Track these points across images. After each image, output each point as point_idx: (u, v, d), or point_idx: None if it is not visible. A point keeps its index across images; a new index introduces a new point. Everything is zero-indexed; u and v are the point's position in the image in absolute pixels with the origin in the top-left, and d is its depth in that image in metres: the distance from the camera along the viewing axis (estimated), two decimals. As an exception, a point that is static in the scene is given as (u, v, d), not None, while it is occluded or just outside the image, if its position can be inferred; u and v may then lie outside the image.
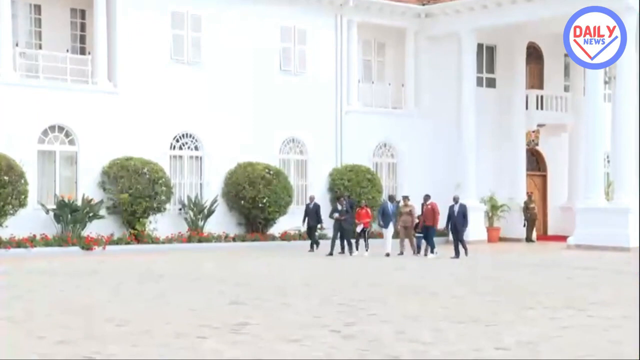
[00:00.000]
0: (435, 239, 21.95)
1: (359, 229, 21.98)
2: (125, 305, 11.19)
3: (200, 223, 24.50)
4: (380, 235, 23.12)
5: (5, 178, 20.84)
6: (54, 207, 22.23)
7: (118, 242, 22.71)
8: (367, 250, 21.78)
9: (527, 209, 29.08)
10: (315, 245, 23.18)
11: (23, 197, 21.31)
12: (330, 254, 21.40)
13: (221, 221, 25.22)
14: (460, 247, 20.89)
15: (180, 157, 25.33)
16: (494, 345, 8.08)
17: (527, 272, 17.04)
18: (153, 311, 10.63)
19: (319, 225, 23.51)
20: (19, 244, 21.00)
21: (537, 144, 31.11)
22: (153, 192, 23.28)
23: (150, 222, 23.61)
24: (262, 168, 25.42)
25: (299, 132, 27.15)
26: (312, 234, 23.45)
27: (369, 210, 22.63)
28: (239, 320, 9.61)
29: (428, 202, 21.69)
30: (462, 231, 20.99)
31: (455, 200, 21.39)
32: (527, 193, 29.78)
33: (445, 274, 16.13)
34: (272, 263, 19.02)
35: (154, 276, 15.60)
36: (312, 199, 23.97)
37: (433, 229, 21.37)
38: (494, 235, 28.59)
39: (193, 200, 24.74)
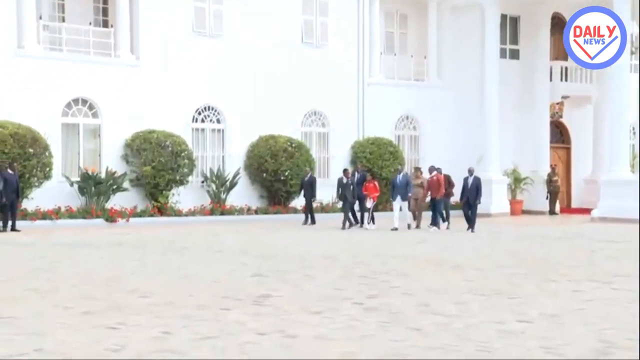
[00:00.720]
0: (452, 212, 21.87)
1: (369, 203, 21.56)
2: (149, 277, 11.27)
3: (223, 196, 24.61)
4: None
5: (30, 150, 21.03)
6: (78, 179, 22.43)
7: (141, 214, 22.89)
8: (373, 223, 21.41)
9: (550, 181, 28.90)
10: (310, 220, 22.51)
11: (48, 169, 21.51)
12: (343, 227, 21.15)
13: (243, 194, 25.32)
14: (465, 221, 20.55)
15: (203, 129, 25.40)
16: (516, 318, 8.06)
17: (550, 245, 16.96)
18: (176, 283, 10.70)
19: (313, 199, 22.96)
20: (44, 215, 21.24)
21: (561, 116, 30.83)
22: (176, 165, 23.39)
23: (173, 194, 23.75)
24: (284, 141, 25.43)
25: (321, 104, 27.10)
26: (309, 209, 22.88)
27: (376, 183, 22.16)
28: (261, 292, 9.65)
29: (433, 174, 21.41)
30: (476, 205, 20.58)
31: (470, 172, 20.93)
32: (551, 166, 29.58)
33: (468, 247, 16.09)
34: (294, 236, 19.07)
35: (177, 248, 15.70)
36: (307, 172, 23.67)
37: (439, 202, 21.01)
38: (517, 208, 28.48)
39: (215, 173, 24.83)
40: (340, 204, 22.68)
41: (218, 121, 25.61)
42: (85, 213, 21.84)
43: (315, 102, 26.97)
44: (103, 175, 22.68)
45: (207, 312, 8.29)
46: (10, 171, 19.84)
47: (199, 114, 25.26)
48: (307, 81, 26.54)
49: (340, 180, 22.11)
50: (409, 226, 21.01)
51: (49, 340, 6.88)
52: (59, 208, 21.77)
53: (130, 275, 11.44)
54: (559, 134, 31.31)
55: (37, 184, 21.42)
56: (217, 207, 24.24)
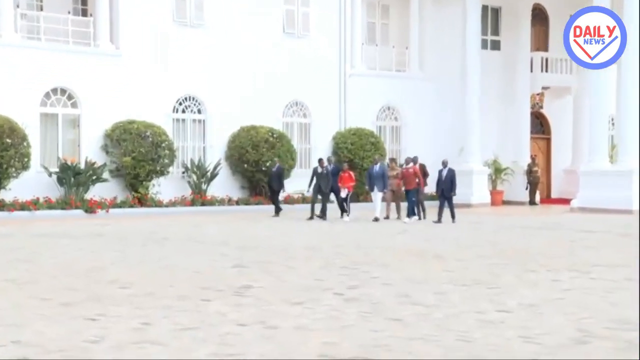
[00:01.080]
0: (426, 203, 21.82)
1: (343, 193, 21.31)
2: (129, 268, 11.24)
3: (204, 186, 24.54)
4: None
5: (8, 141, 20.86)
6: (57, 170, 22.27)
7: (121, 205, 22.78)
8: (347, 215, 21.21)
9: (530, 172, 29.08)
10: (275, 211, 22.31)
11: (26, 160, 21.34)
12: (311, 217, 21.00)
13: (224, 185, 25.26)
14: (449, 212, 20.29)
15: (183, 120, 25.29)
16: (496, 307, 8.11)
17: (530, 235, 17.06)
18: (157, 274, 10.68)
19: (281, 191, 22.78)
20: (23, 206, 21.09)
21: (541, 107, 31.01)
22: (156, 156, 23.29)
23: (153, 185, 23.66)
24: (265, 131, 25.38)
25: (303, 95, 27.07)
26: (275, 199, 22.74)
27: (352, 173, 21.89)
28: (242, 283, 9.65)
29: (409, 165, 21.22)
30: (451, 196, 20.44)
31: (444, 164, 20.71)
32: (531, 156, 29.75)
33: (449, 238, 16.15)
34: (275, 227, 19.06)
35: (158, 239, 15.65)
36: (274, 162, 23.44)
37: (412, 192, 20.71)
38: (497, 199, 28.63)
39: (196, 163, 24.75)
40: (308, 193, 22.33)
41: (199, 111, 25.51)
42: (64, 204, 21.71)
43: (296, 92, 26.93)
44: (82, 165, 22.54)
45: (188, 303, 8.28)
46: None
47: (180, 104, 25.15)
48: (288, 72, 26.48)
49: (315, 170, 21.81)
50: (376, 219, 20.59)
51: (27, 331, 6.84)
52: (38, 199, 21.63)
53: (110, 266, 11.39)
54: (539, 125, 31.51)
55: (15, 174, 21.27)
56: (198, 198, 24.17)
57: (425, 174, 21.59)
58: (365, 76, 28.24)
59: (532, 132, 30.54)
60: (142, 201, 23.17)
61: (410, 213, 20.67)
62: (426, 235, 16.74)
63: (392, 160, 22.87)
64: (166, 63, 24.47)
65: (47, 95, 22.76)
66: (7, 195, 21.25)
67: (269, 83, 26.11)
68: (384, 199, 21.46)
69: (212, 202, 24.33)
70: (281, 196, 23.45)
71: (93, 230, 17.79)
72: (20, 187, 21.36)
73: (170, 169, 24.13)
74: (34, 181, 21.75)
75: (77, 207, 21.77)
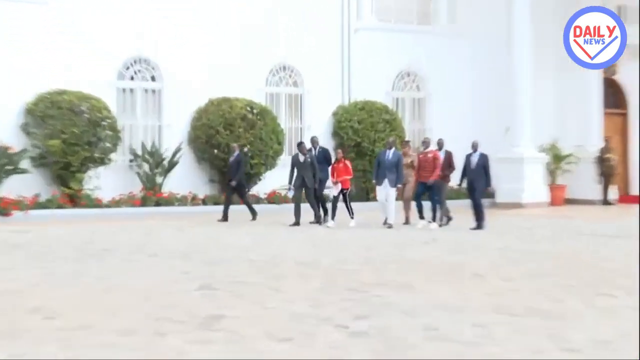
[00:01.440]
0: (452, 203, 21.81)
1: (335, 191, 21.22)
2: (57, 291, 11.16)
3: (159, 180, 24.54)
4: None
5: None
6: (-41, 157, 22.26)
7: (46, 205, 22.80)
8: (351, 217, 21.09)
9: (602, 160, 29.08)
10: (223, 212, 22.00)
11: None
12: (296, 223, 20.83)
13: (187, 177, 25.26)
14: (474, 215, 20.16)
15: (132, 90, 25.29)
16: (558, 345, 8.06)
17: (603, 245, 17.04)
18: (94, 299, 10.59)
19: (232, 183, 22.56)
20: None
21: (615, 72, 30.96)
22: (94, 138, 23.32)
23: (90, 178, 23.66)
24: (242, 105, 25.38)
25: (293, 57, 27.07)
26: (243, 197, 22.94)
27: (348, 164, 21.67)
28: (211, 312, 9.59)
29: (428, 150, 21.07)
30: (481, 191, 20.20)
31: (474, 147, 20.36)
32: (604, 138, 29.73)
33: (492, 249, 16.13)
34: (255, 233, 19.06)
35: (96, 251, 15.61)
36: (234, 148, 23.25)
37: (436, 187, 20.56)
38: (557, 196, 28.67)
39: (149, 148, 24.73)
40: (290, 192, 22.18)
41: (153, 79, 25.47)
42: (-33, 203, 21.71)
43: (284, 53, 26.92)
44: (-7, 151, 22.53)
45: (137, 339, 8.22)
46: None
47: (127, 68, 25.12)
48: (274, 26, 26.50)
49: (294, 159, 21.51)
50: (389, 225, 20.50)
51: None
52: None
53: (31, 289, 11.32)
54: (614, 96, 31.46)
55: None
56: (151, 195, 24.16)
57: (450, 165, 21.21)
58: (377, 31, 28.25)
59: (604, 106, 30.50)
60: (74, 199, 23.18)
61: (433, 216, 20.75)
62: (461, 246, 16.71)
63: (405, 143, 22.74)
64: (108, 12, 24.42)
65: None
66: None
67: (249, 40, 26.11)
68: (399, 197, 21.30)
69: (170, 201, 24.33)
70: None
71: (7, 238, 17.73)
72: None
73: (113, 155, 24.12)
74: None
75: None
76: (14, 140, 23.04)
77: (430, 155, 20.78)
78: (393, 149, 21.11)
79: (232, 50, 25.93)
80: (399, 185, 20.80)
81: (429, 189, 20.63)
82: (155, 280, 12.14)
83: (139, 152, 24.74)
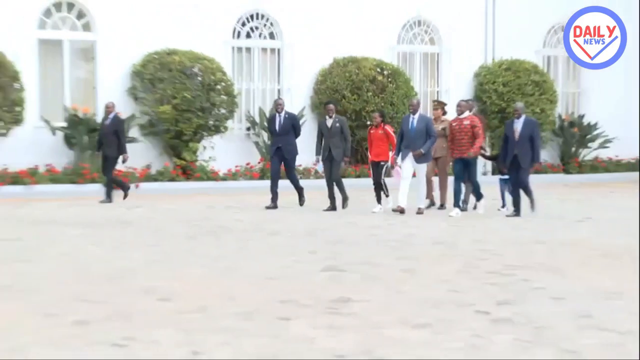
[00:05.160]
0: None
1: (396, 175, 18.84)
2: (172, 272, 11.47)
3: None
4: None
5: (-8, 80, 21.50)
6: (64, 124, 22.83)
7: (157, 177, 23.27)
8: (387, 196, 19.22)
9: None
10: (106, 195, 20.52)
11: (19, 109, 21.97)
12: (332, 207, 19.31)
13: (310, 148, 25.31)
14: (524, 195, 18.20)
15: (248, 49, 25.54)
16: None
17: None
18: (211, 280, 10.87)
19: (121, 158, 20.75)
20: (15, 179, 21.73)
21: None
22: (208, 104, 23.61)
23: (204, 148, 24.01)
24: (371, 66, 25.42)
25: (429, 10, 26.94)
26: (108, 172, 20.66)
27: (390, 130, 19.28)
28: (338, 295, 9.72)
29: (464, 115, 18.41)
30: (528, 167, 18.02)
31: (518, 112, 18.15)
32: None
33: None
34: (383, 209, 19.06)
35: (213, 229, 15.93)
36: (109, 109, 20.70)
37: (472, 163, 18.37)
38: None
39: (267, 115, 24.97)
40: (320, 166, 20.46)
41: (272, 36, 25.70)
42: (74, 175, 22.27)
43: (419, 6, 26.79)
44: (100, 118, 23.04)
45: (258, 324, 8.41)
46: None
47: (243, 25, 25.39)
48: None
49: (321, 124, 19.73)
50: (401, 210, 18.29)
51: (26, 361, 7.10)
52: (36, 168, 22.26)
53: (143, 269, 11.66)
54: None
55: (3, 131, 21.92)
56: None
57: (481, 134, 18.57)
58: (526, -21, 27.85)
59: None
60: (187, 172, 23.56)
61: (476, 198, 18.81)
62: (621, 227, 16.48)
63: (439, 104, 20.36)
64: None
65: (47, 12, 23.33)
66: (-7, 162, 21.95)
67: (377, -8, 26.07)
68: (422, 175, 18.62)
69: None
70: (124, 166, 22.08)
71: (118, 214, 18.20)
72: (12, 151, 22.04)
73: (230, 123, 24.44)
74: (30, 141, 22.41)
75: (93, 181, 22.31)
76: (121, 106, 23.42)
77: (466, 122, 18.29)
78: (419, 112, 18.55)
79: (360, 2, 25.94)
80: (421, 150, 18.02)
81: (467, 166, 18.30)
82: (277, 260, 12.33)
83: (257, 120, 24.99)
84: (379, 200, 19.00)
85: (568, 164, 28.42)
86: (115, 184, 20.18)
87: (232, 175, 24.10)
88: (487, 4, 27.71)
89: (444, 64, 27.50)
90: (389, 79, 25.51)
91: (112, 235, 15.06)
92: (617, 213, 18.96)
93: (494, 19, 27.72)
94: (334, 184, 19.22)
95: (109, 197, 19.93)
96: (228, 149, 24.46)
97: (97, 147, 20.52)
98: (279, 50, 25.87)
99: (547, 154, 28.57)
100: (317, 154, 19.47)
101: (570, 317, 8.77)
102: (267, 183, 23.34)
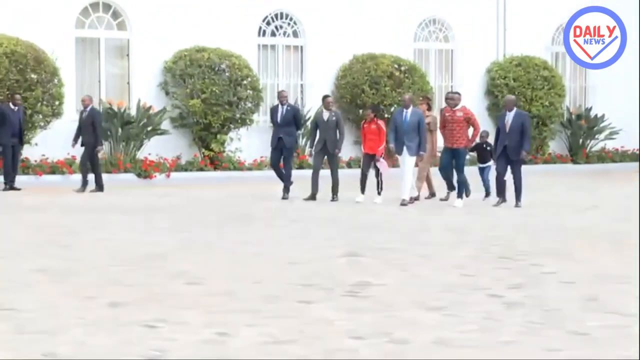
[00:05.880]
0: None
1: (384, 167, 18.27)
2: (200, 257, 11.50)
3: (301, 141, 24.70)
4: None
5: (33, 76, 21.53)
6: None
7: (187, 167, 23.29)
8: (379, 193, 18.29)
9: None
10: (82, 183, 20.13)
11: (57, 103, 22.02)
12: (312, 197, 18.65)
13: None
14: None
15: (273, 47, 25.52)
16: None
17: None
18: (238, 265, 10.90)
19: (98, 148, 20.29)
20: (54, 169, 21.80)
21: None
22: (235, 98, 23.62)
23: (231, 139, 24.03)
24: (389, 62, 25.35)
25: (443, 9, 26.82)
26: (84, 162, 20.36)
27: (382, 125, 18.53)
28: (357, 279, 9.73)
29: (457, 107, 17.68)
30: (519, 160, 17.36)
31: (509, 105, 17.52)
32: None
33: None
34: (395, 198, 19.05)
35: (239, 216, 15.94)
36: (85, 102, 20.42)
37: (461, 154, 17.70)
38: None
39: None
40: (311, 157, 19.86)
41: (295, 34, 25.66)
42: (109, 165, 22.33)
43: (434, 5, 26.69)
44: (134, 112, 23.11)
45: (281, 306, 8.41)
46: (12, 105, 20.40)
47: (268, 24, 25.36)
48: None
49: (317, 116, 19.53)
50: (403, 202, 17.75)
51: (63, 341, 7.10)
52: (73, 158, 22.31)
53: (173, 254, 11.69)
54: None
55: (42, 123, 21.97)
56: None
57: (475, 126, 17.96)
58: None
59: None
60: (215, 162, 23.60)
61: (462, 189, 17.74)
62: (627, 214, 16.40)
63: (425, 99, 19.94)
64: (248, -34, 24.68)
65: (84, 12, 23.36)
66: (33, 153, 21.97)
67: (395, -8, 26.00)
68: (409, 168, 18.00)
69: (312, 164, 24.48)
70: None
71: (149, 202, 18.26)
72: (50, 142, 22.05)
73: (255, 116, 24.43)
74: (67, 133, 22.38)
75: (126, 170, 22.38)
76: (154, 100, 23.52)
77: (459, 113, 17.54)
78: (411, 107, 17.96)
79: (378, 2, 25.86)
80: (422, 153, 17.68)
81: (455, 157, 17.60)
82: (300, 246, 12.35)
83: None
84: (363, 190, 18.27)
85: (576, 154, 28.31)
86: (88, 173, 20.09)
87: (257, 166, 24.09)
88: (499, 3, 27.55)
89: (457, 60, 27.37)
90: (406, 75, 25.44)
91: (144, 221, 15.12)
92: (623, 201, 18.86)
93: (505, 18, 27.59)
94: (331, 173, 18.71)
95: (98, 186, 20.02)
96: (254, 140, 24.44)
97: (74, 139, 20.35)
98: (301, 47, 25.81)
99: (556, 145, 28.48)
100: (311, 146, 19.22)
101: (579, 300, 8.75)
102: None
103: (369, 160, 18.32)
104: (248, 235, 13.49)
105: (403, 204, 17.63)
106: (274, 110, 19.49)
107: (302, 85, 25.74)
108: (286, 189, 18.92)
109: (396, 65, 25.41)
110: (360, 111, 24.42)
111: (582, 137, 28.40)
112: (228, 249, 12.13)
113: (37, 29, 22.13)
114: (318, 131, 18.87)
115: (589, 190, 21.71)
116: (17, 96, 20.47)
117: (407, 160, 17.68)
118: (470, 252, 11.87)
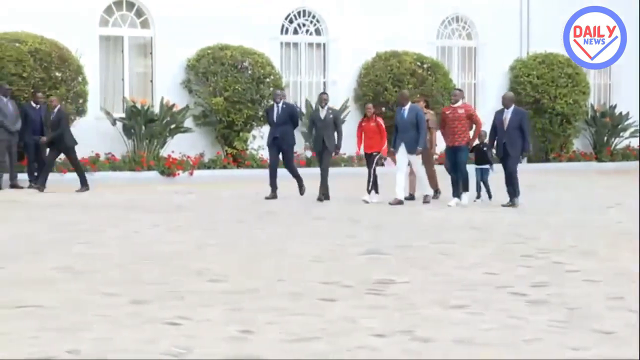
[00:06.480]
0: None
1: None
2: (222, 254, 11.52)
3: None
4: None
5: (57, 75, 21.65)
6: (123, 115, 22.98)
7: (210, 165, 23.36)
8: (376, 192, 18.05)
9: None
10: (39, 180, 20.03)
11: (81, 101, 22.13)
12: (319, 198, 18.31)
13: (354, 137, 25.30)
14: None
15: (296, 44, 25.55)
16: None
17: None
18: (260, 263, 10.90)
19: (73, 148, 20.25)
20: (77, 166, 21.90)
21: None
22: (258, 96, 23.65)
23: (254, 137, 24.07)
24: (411, 60, 25.35)
25: (467, 6, 26.79)
26: (44, 161, 20.33)
27: (381, 122, 18.42)
28: (379, 277, 9.72)
29: (458, 104, 17.45)
30: (516, 158, 17.04)
31: (507, 102, 17.18)
32: None
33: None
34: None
35: (261, 214, 15.97)
36: (52, 103, 20.07)
37: (463, 152, 17.34)
38: None
39: (313, 106, 24.96)
40: (309, 153, 19.75)
41: (317, 32, 25.67)
42: (132, 163, 22.43)
43: (457, 3, 26.66)
44: (157, 109, 23.17)
45: (303, 304, 8.41)
46: (34, 104, 20.51)
47: (291, 22, 25.38)
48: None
49: (314, 114, 19.51)
50: (399, 201, 17.42)
51: (86, 338, 7.13)
52: (97, 156, 22.41)
53: (195, 251, 11.73)
54: None
55: (66, 121, 22.07)
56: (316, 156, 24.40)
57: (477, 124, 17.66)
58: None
59: None
60: (238, 159, 23.64)
61: (463, 188, 17.41)
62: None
63: (422, 96, 19.91)
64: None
65: (108, 10, 23.44)
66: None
67: (417, -10, 25.98)
68: (417, 166, 17.95)
69: (336, 162, 24.47)
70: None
71: (172, 199, 18.32)
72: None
73: (277, 114, 24.44)
74: (91, 131, 22.52)
75: (150, 168, 22.45)
76: (177, 98, 23.59)
77: (461, 111, 17.27)
78: (409, 104, 17.65)
79: (401, 0, 25.83)
80: (420, 148, 17.37)
81: (457, 155, 17.33)
82: (321, 244, 12.34)
83: (304, 110, 25.01)
84: (376, 190, 18.04)
85: (600, 152, 28.23)
86: (44, 171, 19.91)
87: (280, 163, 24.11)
88: (522, 0, 27.50)
89: (480, 57, 27.34)
90: (428, 72, 25.43)
91: (167, 219, 15.16)
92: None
93: (528, 15, 27.53)
94: (320, 172, 18.41)
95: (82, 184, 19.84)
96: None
97: (38, 138, 20.23)
98: (324, 45, 25.84)
99: (580, 143, 28.42)
100: (312, 145, 18.60)
101: (603, 298, 8.70)
102: (312, 171, 23.08)
103: (371, 159, 18.04)
104: (270, 233, 13.52)
105: (426, 201, 17.54)
106: (269, 110, 19.41)
107: (324, 83, 25.75)
108: (300, 188, 18.69)
109: (419, 63, 25.40)
110: (383, 109, 24.41)
111: (606, 135, 28.31)
112: (250, 247, 12.15)
113: (61, 27, 22.21)
114: (315, 129, 18.74)
115: (612, 188, 21.64)
116: (40, 94, 20.61)
117: (403, 157, 17.47)
118: (492, 249, 11.84)
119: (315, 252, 11.52)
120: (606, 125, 28.26)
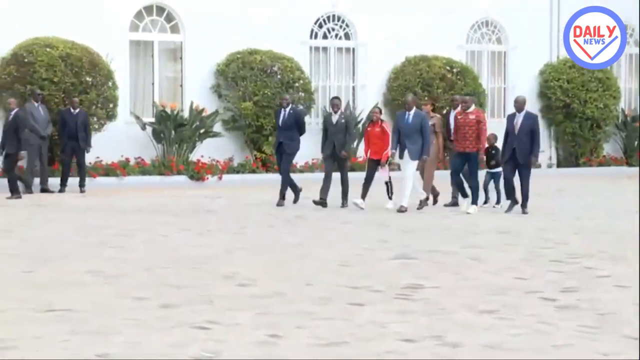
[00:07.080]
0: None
1: (384, 173, 17.69)
2: (251, 258, 11.55)
3: (353, 144, 24.69)
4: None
5: (88, 79, 21.73)
6: (153, 120, 23.07)
7: (239, 169, 23.37)
8: (390, 198, 17.58)
9: None
10: (25, 187, 19.81)
11: (111, 106, 22.21)
12: (321, 202, 17.95)
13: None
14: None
15: (325, 49, 25.54)
16: None
17: None
18: (289, 267, 10.93)
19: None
20: (107, 171, 22.00)
21: None
22: (287, 100, 23.66)
23: (282, 142, 24.07)
24: (441, 64, 25.27)
25: (497, 10, 26.69)
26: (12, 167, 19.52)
27: (386, 127, 18.08)
28: (408, 282, 9.71)
29: (471, 109, 17.28)
30: (528, 162, 16.70)
31: (519, 106, 16.98)
32: None
33: None
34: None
35: (290, 218, 15.99)
36: (11, 104, 19.69)
37: (473, 158, 17.00)
38: None
39: (345, 110, 24.95)
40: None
41: (347, 36, 25.65)
42: (162, 167, 22.49)
43: (487, 7, 26.57)
44: (186, 114, 23.23)
45: (332, 308, 8.42)
46: (72, 109, 20.64)
47: (320, 26, 25.38)
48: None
49: (326, 119, 19.09)
50: (403, 209, 16.94)
51: (115, 342, 7.17)
52: (127, 160, 22.50)
53: (224, 255, 11.76)
54: None
55: (97, 126, 22.15)
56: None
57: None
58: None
59: None
60: (267, 164, 23.65)
61: (475, 195, 17.08)
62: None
63: (430, 99, 19.78)
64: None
65: (138, 15, 23.53)
66: (88, 155, 22.13)
67: (447, -5, 25.92)
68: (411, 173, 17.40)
69: (364, 166, 24.44)
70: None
71: (201, 204, 18.35)
72: (104, 144, 22.20)
73: (307, 118, 24.41)
74: (121, 136, 22.60)
75: (179, 172, 22.50)
76: (206, 103, 23.60)
77: (472, 116, 17.03)
78: (414, 109, 17.33)
79: (430, 4, 25.78)
80: (425, 157, 17.06)
81: (468, 162, 17.06)
82: (351, 248, 12.35)
83: (333, 115, 24.98)
84: (364, 195, 17.52)
85: (631, 157, 28.05)
86: (19, 179, 19.50)
87: (309, 168, 24.12)
88: (552, 4, 27.37)
89: (510, 62, 27.22)
90: (458, 77, 25.34)
91: (196, 223, 15.20)
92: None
93: (559, 19, 27.35)
94: (340, 177, 18.11)
95: (17, 192, 19.08)
96: (305, 142, 24.29)
97: (1, 146, 19.65)
98: (353, 49, 25.81)
99: (611, 148, 28.24)
100: (322, 151, 18.54)
101: (634, 304, 8.66)
102: (316, 176, 22.53)
103: (375, 165, 17.79)
104: (299, 237, 13.53)
105: (401, 210, 16.87)
106: (276, 114, 19.41)
107: (354, 87, 25.73)
108: (281, 195, 18.32)
109: (448, 67, 25.33)
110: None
111: (637, 140, 28.14)
112: (279, 250, 12.18)
113: (91, 32, 22.29)
114: (326, 134, 18.41)
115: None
116: (75, 99, 20.71)
117: (409, 164, 17.15)
118: (522, 254, 11.81)
119: (344, 257, 11.53)
120: (637, 130, 28.09)
